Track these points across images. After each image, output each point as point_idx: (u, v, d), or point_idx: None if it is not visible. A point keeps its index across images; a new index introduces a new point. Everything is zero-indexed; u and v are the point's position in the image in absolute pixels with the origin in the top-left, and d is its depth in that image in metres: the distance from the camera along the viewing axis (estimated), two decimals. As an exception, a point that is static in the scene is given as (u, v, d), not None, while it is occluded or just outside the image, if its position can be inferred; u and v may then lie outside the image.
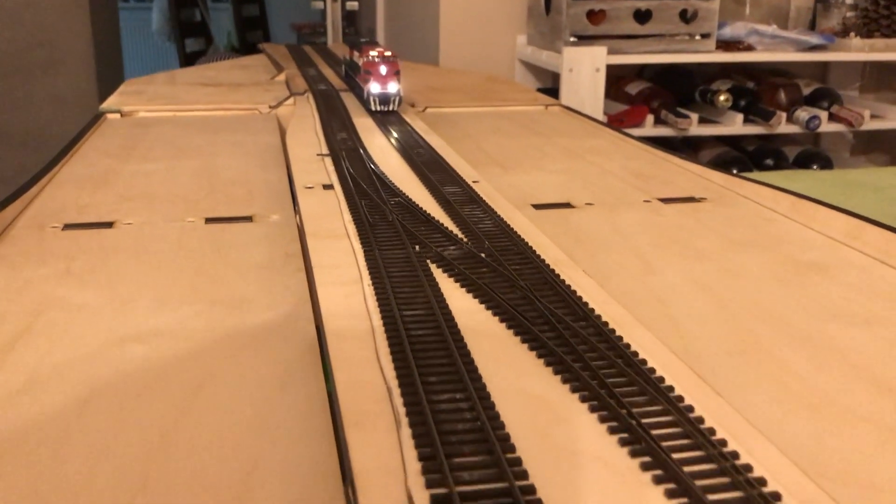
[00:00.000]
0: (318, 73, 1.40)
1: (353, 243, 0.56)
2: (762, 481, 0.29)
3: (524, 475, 0.30)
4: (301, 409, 0.39)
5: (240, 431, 0.37)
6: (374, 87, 1.02)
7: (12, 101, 2.38)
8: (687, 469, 0.30)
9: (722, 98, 1.90)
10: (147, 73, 1.46)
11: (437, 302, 0.45)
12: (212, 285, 0.55)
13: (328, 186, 0.70)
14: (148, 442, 0.36)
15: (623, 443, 0.32)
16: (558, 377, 0.38)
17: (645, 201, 0.76)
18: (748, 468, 0.30)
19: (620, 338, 0.41)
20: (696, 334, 0.49)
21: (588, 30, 1.84)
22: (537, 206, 0.74)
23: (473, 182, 0.72)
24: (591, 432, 0.33)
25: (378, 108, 1.02)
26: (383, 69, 1.02)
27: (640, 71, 2.11)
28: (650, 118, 1.91)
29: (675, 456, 0.31)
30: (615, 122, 1.86)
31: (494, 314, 0.45)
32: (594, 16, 1.84)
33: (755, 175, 1.07)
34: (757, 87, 2.03)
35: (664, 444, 0.31)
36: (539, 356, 0.40)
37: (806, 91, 2.06)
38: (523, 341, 0.41)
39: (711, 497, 0.28)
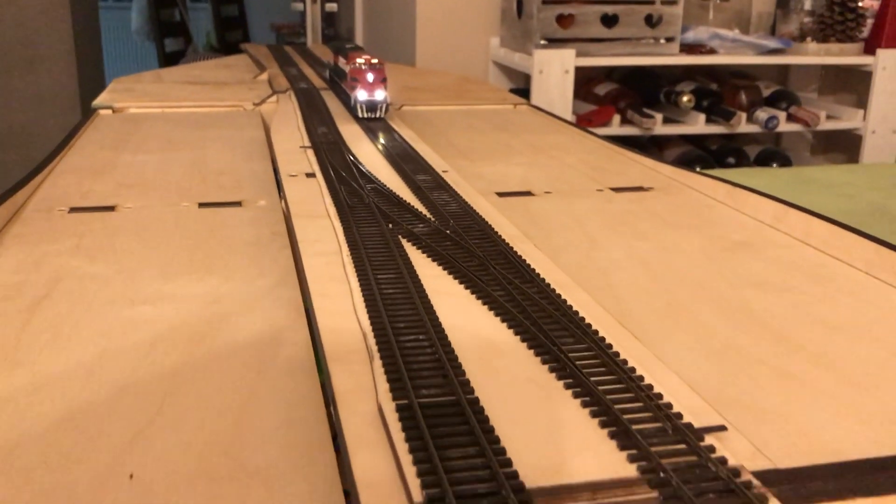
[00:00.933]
0: (299, 72, 1.47)
1: (333, 222, 0.63)
2: (659, 395, 0.37)
3: (471, 391, 0.37)
4: (289, 354, 0.46)
5: (238, 370, 0.44)
6: (361, 95, 1.02)
7: (-7, 100, 2.42)
8: (601, 388, 0.37)
9: (685, 99, 1.99)
10: (127, 73, 1.52)
11: (406, 268, 0.52)
12: (207, 259, 0.62)
13: (311, 175, 0.78)
14: (161, 378, 0.43)
15: (551, 369, 0.40)
16: (505, 324, 0.45)
17: (598, 190, 0.84)
18: (650, 387, 0.38)
19: (560, 296, 0.49)
20: (630, 298, 0.56)
21: (558, 33, 1.92)
22: (501, 194, 0.82)
23: (443, 172, 0.79)
24: (527, 362, 0.41)
25: (365, 116, 1.03)
26: (370, 76, 1.03)
27: (609, 73, 2.19)
28: (617, 118, 2.00)
29: (593, 379, 0.38)
30: (584, 122, 1.94)
31: (455, 278, 0.52)
32: (563, 20, 1.92)
33: (716, 172, 1.16)
34: (719, 89, 2.12)
35: (585, 370, 0.39)
36: (490, 309, 0.47)
37: (766, 93, 2.15)
38: (478, 298, 0.49)
39: (618, 407, 0.36)
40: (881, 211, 1.58)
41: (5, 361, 0.45)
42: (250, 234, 0.68)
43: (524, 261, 0.55)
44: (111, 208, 0.74)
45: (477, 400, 0.36)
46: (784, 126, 2.07)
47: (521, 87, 2.10)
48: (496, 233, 0.61)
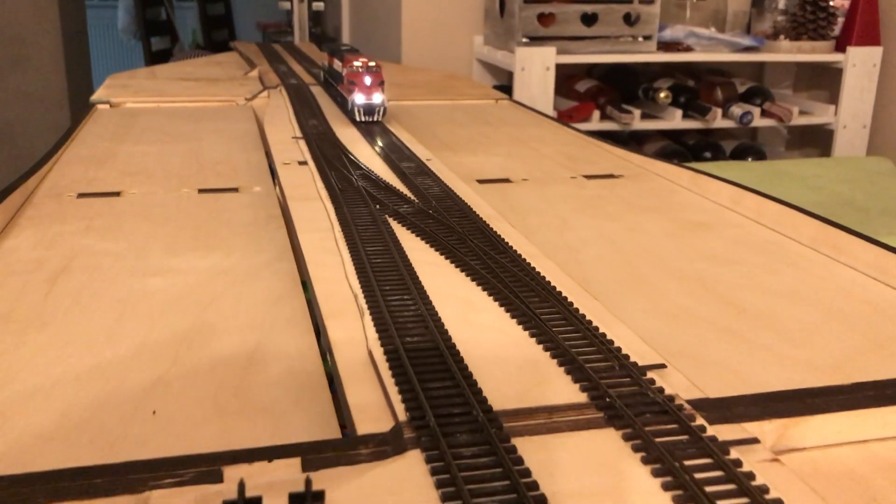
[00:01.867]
0: (288, 69, 1.52)
1: (325, 203, 0.68)
2: (611, 342, 0.43)
3: (449, 339, 0.43)
4: (288, 314, 0.52)
5: (244, 329, 0.50)
6: (358, 98, 1.01)
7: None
8: (561, 336, 0.43)
9: (662, 95, 2.06)
10: (113, 71, 1.57)
11: (393, 242, 0.58)
12: (210, 238, 0.67)
13: (303, 163, 0.83)
14: (175, 335, 0.49)
15: (519, 322, 0.45)
16: (479, 287, 0.51)
17: (572, 178, 0.90)
18: (603, 335, 0.44)
19: (530, 264, 0.55)
20: (595, 270, 0.62)
21: (539, 31, 1.98)
22: (481, 181, 0.88)
23: (427, 160, 0.85)
24: (498, 317, 0.47)
25: (363, 119, 1.02)
26: (368, 80, 1.01)
27: (589, 70, 2.26)
28: (597, 114, 2.06)
29: (555, 329, 0.44)
30: (564, 118, 2.00)
31: (437, 250, 0.58)
32: (544, 18, 1.99)
33: (693, 165, 1.22)
34: (696, 86, 2.19)
35: (548, 322, 0.45)
36: (468, 276, 0.53)
37: (741, 89, 2.22)
38: (457, 267, 0.55)
39: (574, 350, 0.42)
40: (848, 202, 1.65)
41: (35, 321, 0.51)
42: (248, 216, 0.73)
43: (499, 236, 0.61)
44: (117, 194, 0.79)
45: (454, 346, 0.42)
46: (758, 121, 2.14)
47: (505, 84, 2.16)
48: (475, 212, 0.67)
